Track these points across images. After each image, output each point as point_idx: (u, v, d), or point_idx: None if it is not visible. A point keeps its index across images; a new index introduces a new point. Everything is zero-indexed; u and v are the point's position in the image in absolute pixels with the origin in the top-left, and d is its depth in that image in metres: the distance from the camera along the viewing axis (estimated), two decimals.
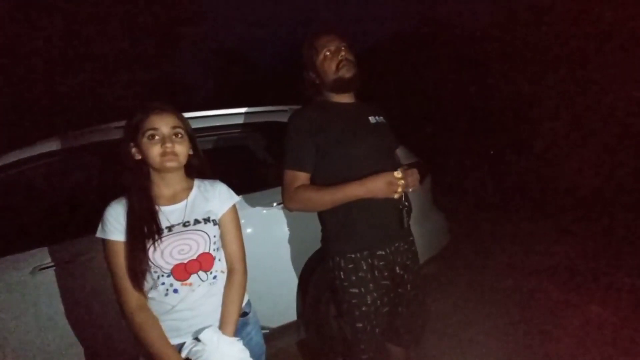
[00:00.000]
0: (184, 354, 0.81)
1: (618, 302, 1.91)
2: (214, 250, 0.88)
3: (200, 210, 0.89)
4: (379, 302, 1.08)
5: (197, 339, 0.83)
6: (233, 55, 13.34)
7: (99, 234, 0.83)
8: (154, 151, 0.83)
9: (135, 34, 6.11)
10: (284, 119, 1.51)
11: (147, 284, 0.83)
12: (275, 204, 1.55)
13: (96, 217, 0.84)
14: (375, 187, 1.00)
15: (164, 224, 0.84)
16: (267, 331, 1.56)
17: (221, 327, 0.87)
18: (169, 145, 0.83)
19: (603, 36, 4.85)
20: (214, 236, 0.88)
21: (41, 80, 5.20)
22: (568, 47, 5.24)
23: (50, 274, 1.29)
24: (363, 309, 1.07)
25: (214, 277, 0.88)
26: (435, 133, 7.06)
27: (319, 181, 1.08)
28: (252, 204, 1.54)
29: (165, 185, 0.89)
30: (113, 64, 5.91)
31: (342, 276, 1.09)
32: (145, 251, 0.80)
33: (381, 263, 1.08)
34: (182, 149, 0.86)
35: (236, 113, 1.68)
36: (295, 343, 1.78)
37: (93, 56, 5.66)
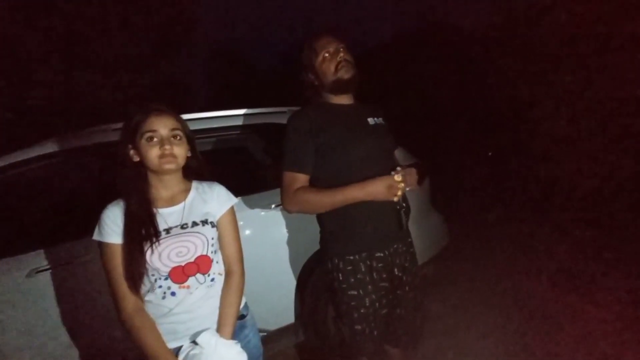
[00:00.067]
0: (181, 357, 0.81)
1: (618, 303, 1.90)
2: (211, 252, 0.88)
3: (198, 213, 0.89)
4: (377, 304, 1.08)
5: (194, 342, 0.82)
6: (232, 56, 13.36)
7: (95, 237, 0.82)
8: (153, 153, 0.82)
9: (134, 35, 6.12)
10: (282, 120, 1.51)
11: (144, 287, 0.82)
12: (273, 206, 1.55)
13: (93, 219, 0.84)
14: (375, 190, 1.00)
15: (162, 226, 0.84)
16: (265, 334, 1.55)
17: (219, 329, 0.86)
18: (167, 147, 0.83)
19: (603, 36, 4.87)
20: (212, 238, 0.88)
21: (39, 82, 5.19)
22: (568, 47, 5.26)
23: (47, 276, 1.28)
24: (362, 310, 1.07)
25: (212, 280, 0.88)
26: (435, 133, 7.06)
27: (318, 182, 1.08)
28: (251, 205, 1.53)
29: (163, 187, 0.88)
30: (111, 65, 5.90)
31: (341, 278, 1.08)
32: (142, 254, 0.79)
33: (380, 265, 1.08)
34: (180, 151, 0.86)
35: (235, 114, 1.68)
36: (294, 345, 1.77)
37: (91, 57, 5.66)
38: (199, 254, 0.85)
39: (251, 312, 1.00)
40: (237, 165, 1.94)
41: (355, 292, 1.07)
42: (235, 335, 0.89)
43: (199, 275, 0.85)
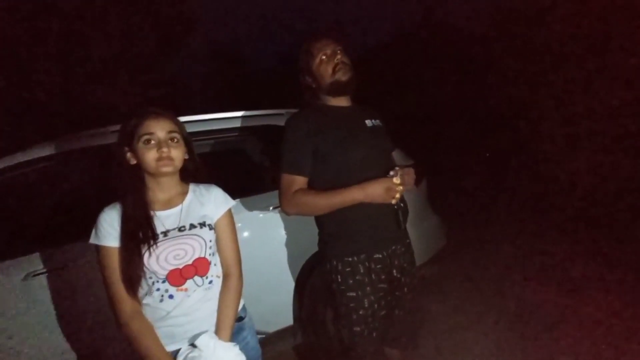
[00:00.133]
0: None
1: (618, 303, 1.91)
2: (209, 254, 0.88)
3: (195, 215, 0.89)
4: (376, 305, 1.08)
5: (192, 345, 0.82)
6: (230, 58, 13.36)
7: (92, 240, 0.82)
8: (150, 156, 0.82)
9: (133, 36, 6.11)
10: (280, 122, 1.52)
11: (142, 290, 0.82)
12: (272, 208, 1.55)
13: (90, 222, 0.83)
14: (373, 192, 1.00)
15: (159, 229, 0.83)
16: (264, 336, 1.55)
17: (217, 332, 0.86)
18: (165, 150, 0.82)
19: (602, 37, 4.90)
20: (210, 241, 0.88)
21: (37, 82, 5.17)
22: (567, 48, 5.29)
23: (43, 280, 1.27)
24: (360, 312, 1.07)
25: (210, 282, 0.87)
26: (433, 134, 7.08)
27: (316, 185, 1.08)
28: (249, 207, 1.53)
29: (160, 190, 0.88)
30: (110, 66, 5.89)
31: (339, 280, 1.08)
32: (140, 257, 0.79)
33: (378, 266, 1.08)
34: (177, 154, 0.85)
35: (233, 117, 1.68)
36: (292, 347, 1.77)
37: (89, 58, 5.64)
38: (197, 256, 0.85)
39: (249, 314, 1.00)
40: (235, 167, 1.93)
41: (354, 294, 1.07)
42: (234, 338, 0.89)
43: (197, 278, 0.85)
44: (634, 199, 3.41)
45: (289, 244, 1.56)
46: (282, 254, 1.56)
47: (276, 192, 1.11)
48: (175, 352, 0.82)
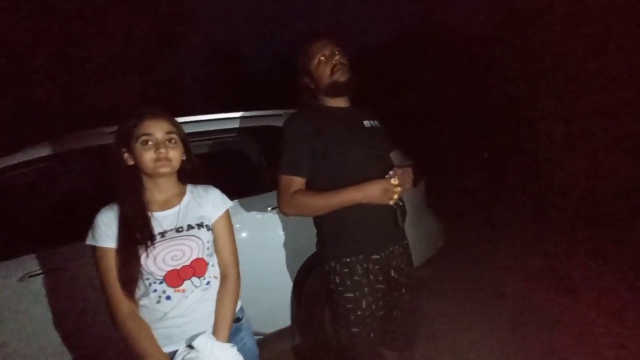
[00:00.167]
0: None
1: (617, 303, 1.91)
2: (207, 255, 0.87)
3: (193, 216, 0.88)
4: (374, 306, 1.08)
5: (190, 346, 0.82)
6: (228, 58, 13.35)
7: (89, 241, 0.82)
8: (147, 157, 0.82)
9: (131, 37, 6.09)
10: (279, 123, 1.51)
11: (139, 291, 0.82)
12: (270, 209, 1.55)
13: (87, 223, 0.83)
14: (371, 193, 1.00)
15: (157, 229, 0.83)
16: (262, 337, 1.54)
17: (215, 333, 0.86)
18: (162, 150, 0.82)
19: (602, 37, 4.90)
20: (208, 241, 0.88)
21: (35, 83, 5.15)
22: (567, 48, 5.29)
23: (39, 281, 1.26)
24: (358, 313, 1.07)
25: (207, 283, 0.87)
26: (432, 134, 7.08)
27: (314, 186, 1.08)
28: (247, 208, 1.53)
29: (157, 190, 0.88)
30: (108, 66, 5.88)
31: (337, 280, 1.08)
32: (137, 258, 0.79)
33: (376, 267, 1.09)
34: (175, 155, 0.85)
35: (231, 117, 1.68)
36: (290, 348, 1.77)
37: (89, 58, 5.63)
38: (194, 257, 0.84)
39: (247, 315, 1.00)
40: (233, 168, 1.93)
41: (352, 295, 1.07)
42: (231, 339, 0.88)
43: (194, 279, 0.85)
44: (633, 199, 3.42)
45: (287, 245, 1.56)
46: (280, 254, 1.56)
47: (274, 193, 1.11)
48: (173, 354, 0.82)
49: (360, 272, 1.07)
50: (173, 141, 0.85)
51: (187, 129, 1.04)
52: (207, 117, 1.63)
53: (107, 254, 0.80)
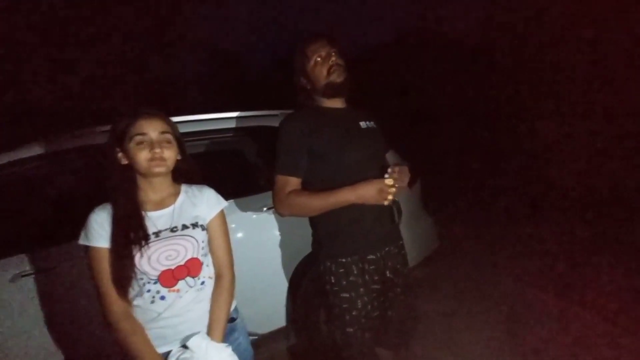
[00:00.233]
0: None
1: (617, 303, 1.90)
2: (202, 255, 0.87)
3: (187, 216, 0.88)
4: (369, 306, 1.09)
5: (184, 346, 0.82)
6: (225, 58, 13.29)
7: (82, 241, 0.81)
8: (142, 156, 0.81)
9: (127, 36, 6.05)
10: (275, 123, 1.51)
11: (132, 292, 0.81)
12: (265, 209, 1.54)
13: (80, 223, 0.82)
14: (366, 193, 1.01)
15: (151, 229, 0.83)
16: (257, 337, 1.54)
17: (209, 333, 0.86)
18: (157, 150, 0.82)
19: (602, 36, 4.91)
20: (202, 241, 0.88)
21: (27, 83, 5.10)
22: (566, 48, 5.30)
23: (32, 281, 1.25)
24: (353, 313, 1.07)
25: (202, 283, 0.87)
26: (430, 135, 7.07)
27: (311, 186, 1.08)
28: (243, 208, 1.53)
29: (152, 190, 0.87)
30: (105, 66, 5.84)
31: (333, 281, 1.09)
32: (131, 258, 0.78)
33: (371, 267, 1.09)
34: (170, 154, 0.85)
35: (228, 117, 1.67)
36: (286, 348, 1.76)
37: (81, 58, 5.58)
38: (189, 257, 0.84)
39: (241, 315, 1.00)
40: (229, 168, 1.93)
41: (347, 295, 1.07)
42: (226, 339, 0.88)
43: (188, 279, 0.84)
44: (632, 200, 3.40)
45: (282, 245, 1.55)
46: (276, 254, 1.55)
47: (270, 193, 1.11)
48: (167, 354, 0.82)
49: (355, 272, 1.08)
50: (168, 141, 0.85)
51: (183, 129, 1.04)
52: (202, 117, 1.63)
53: (101, 253, 0.80)
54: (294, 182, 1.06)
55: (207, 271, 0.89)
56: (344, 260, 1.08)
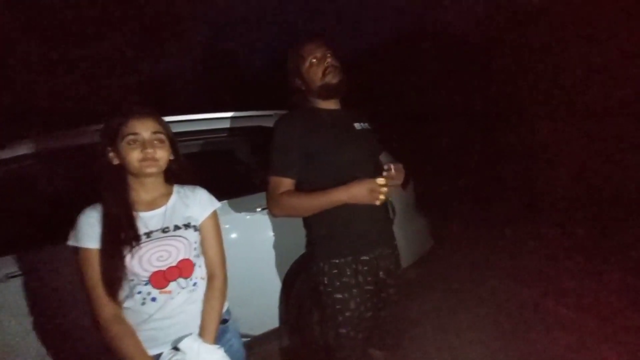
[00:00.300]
0: None
1: (617, 303, 1.89)
2: (194, 256, 0.87)
3: (180, 216, 0.87)
4: (362, 307, 1.09)
5: (175, 348, 0.81)
6: (220, 58, 13.22)
7: (71, 242, 0.80)
8: (134, 156, 0.81)
9: (120, 34, 5.98)
10: (269, 123, 1.51)
11: (123, 293, 0.80)
12: (259, 209, 1.54)
13: (70, 224, 0.81)
14: (358, 193, 1.00)
15: (142, 230, 0.82)
16: (249, 339, 1.53)
17: (201, 334, 0.85)
18: (149, 150, 0.81)
19: (601, 36, 4.91)
20: (195, 242, 0.87)
21: (22, 82, 5.00)
22: (564, 49, 5.30)
23: (20, 282, 1.22)
24: (347, 314, 1.08)
25: (194, 284, 0.86)
26: (425, 134, 7.07)
27: (306, 186, 1.08)
28: (237, 208, 1.52)
29: (144, 190, 0.87)
30: (100, 66, 5.76)
31: (326, 281, 1.09)
32: (121, 259, 0.77)
33: (365, 268, 1.10)
34: (162, 154, 0.84)
35: (221, 117, 1.66)
36: (279, 349, 1.76)
37: (77, 57, 5.50)
38: (181, 257, 0.83)
39: (233, 316, 0.99)
40: (222, 168, 1.92)
41: (341, 296, 1.08)
42: (218, 340, 0.88)
43: (180, 280, 0.84)
44: (632, 200, 3.39)
45: (276, 246, 1.55)
46: (270, 255, 1.55)
47: (264, 194, 1.11)
48: (158, 356, 0.81)
49: (349, 273, 1.08)
50: (160, 141, 0.84)
51: (176, 129, 1.03)
52: (196, 117, 1.62)
53: (90, 254, 0.79)
54: (287, 183, 1.06)
55: (200, 272, 0.89)
56: (337, 261, 1.08)
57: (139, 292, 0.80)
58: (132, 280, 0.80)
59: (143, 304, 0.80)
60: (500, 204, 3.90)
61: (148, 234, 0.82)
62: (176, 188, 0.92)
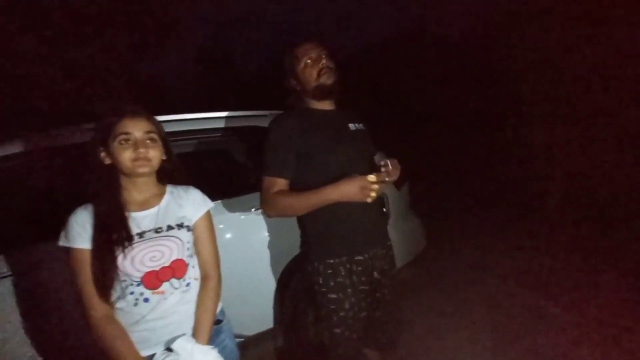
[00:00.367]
0: None
1: (616, 304, 1.89)
2: (187, 256, 0.86)
3: (173, 216, 0.87)
4: (357, 307, 1.09)
5: (169, 349, 0.80)
6: (215, 57, 13.17)
7: (62, 243, 0.79)
8: (126, 156, 0.80)
9: (115, 35, 5.92)
10: (264, 123, 1.51)
11: (115, 294, 0.80)
12: (253, 209, 1.54)
13: (61, 224, 0.80)
14: (349, 191, 0.99)
15: (135, 230, 0.81)
16: (243, 339, 1.53)
17: (195, 335, 0.85)
18: (142, 150, 0.81)
19: (601, 36, 4.93)
20: (188, 242, 0.87)
21: (18, 82, 4.92)
22: (564, 49, 5.32)
23: (9, 283, 1.20)
24: (341, 314, 1.08)
25: (187, 285, 0.86)
26: (420, 135, 7.09)
27: (299, 187, 1.08)
28: (231, 209, 1.51)
29: (136, 190, 0.86)
30: (95, 66, 5.69)
31: (321, 282, 1.09)
32: (113, 259, 0.77)
33: (359, 268, 1.10)
34: (155, 154, 0.84)
35: (215, 117, 1.66)
36: (273, 350, 1.75)
37: (72, 56, 5.43)
38: (174, 257, 0.83)
39: (227, 317, 0.99)
40: (217, 168, 1.91)
41: (335, 296, 1.08)
42: (211, 341, 0.87)
43: (173, 280, 0.83)
44: (631, 200, 3.40)
45: (271, 246, 1.55)
46: (264, 255, 1.55)
47: (258, 194, 1.11)
48: (151, 357, 0.80)
49: (343, 273, 1.08)
50: (152, 140, 0.84)
51: (170, 128, 1.03)
52: (190, 116, 1.61)
53: (82, 255, 0.78)
54: (281, 183, 1.06)
55: (193, 272, 0.88)
56: (332, 261, 1.09)
57: (132, 293, 0.79)
58: (125, 280, 0.79)
59: (135, 304, 0.80)
60: (498, 203, 3.90)
61: (140, 234, 0.81)
62: (169, 188, 0.92)
